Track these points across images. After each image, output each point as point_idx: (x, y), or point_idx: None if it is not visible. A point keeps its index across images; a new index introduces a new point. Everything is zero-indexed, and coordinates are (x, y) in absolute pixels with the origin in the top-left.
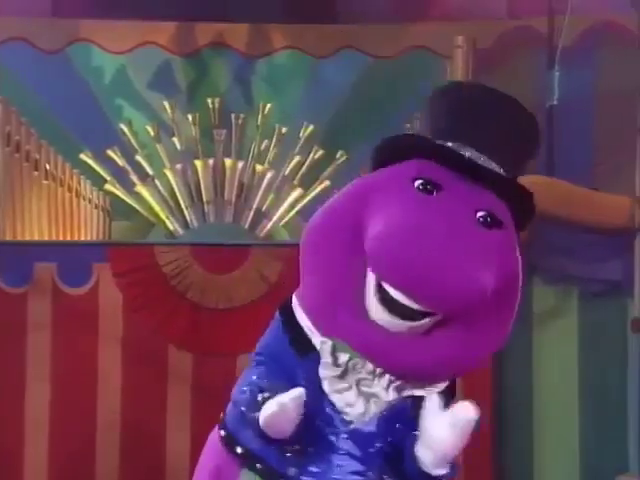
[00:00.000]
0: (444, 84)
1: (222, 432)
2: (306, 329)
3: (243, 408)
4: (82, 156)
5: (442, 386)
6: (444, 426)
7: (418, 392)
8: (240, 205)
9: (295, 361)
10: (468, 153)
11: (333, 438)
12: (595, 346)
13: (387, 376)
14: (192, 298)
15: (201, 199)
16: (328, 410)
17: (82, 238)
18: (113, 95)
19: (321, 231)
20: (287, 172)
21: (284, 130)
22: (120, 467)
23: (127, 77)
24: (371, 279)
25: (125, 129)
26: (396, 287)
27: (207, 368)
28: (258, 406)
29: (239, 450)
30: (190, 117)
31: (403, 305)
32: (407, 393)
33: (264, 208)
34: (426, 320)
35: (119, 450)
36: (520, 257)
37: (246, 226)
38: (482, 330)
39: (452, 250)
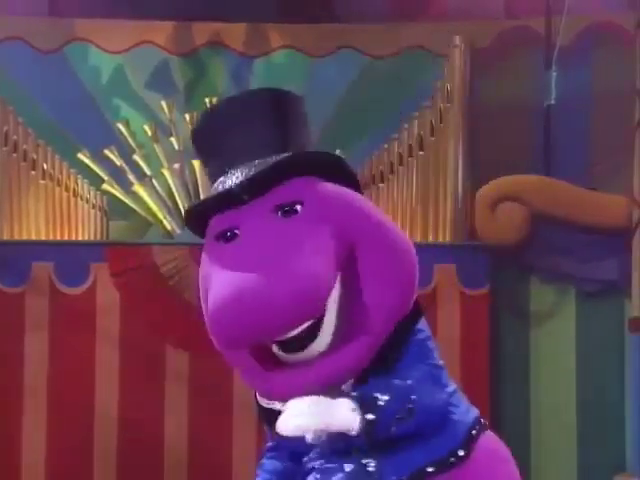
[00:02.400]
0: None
1: None
2: (266, 406)
3: None
4: (79, 156)
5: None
6: None
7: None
8: None
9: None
10: (236, 175)
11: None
12: (592, 345)
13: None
14: (189, 298)
15: (199, 199)
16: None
17: (79, 238)
18: (110, 95)
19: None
20: None
21: None
22: (118, 465)
23: (124, 77)
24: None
25: (122, 129)
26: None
27: (204, 367)
28: None
29: None
30: (188, 117)
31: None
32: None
33: None
34: (314, 344)
35: (117, 448)
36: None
37: None
38: (359, 309)
39: (235, 295)
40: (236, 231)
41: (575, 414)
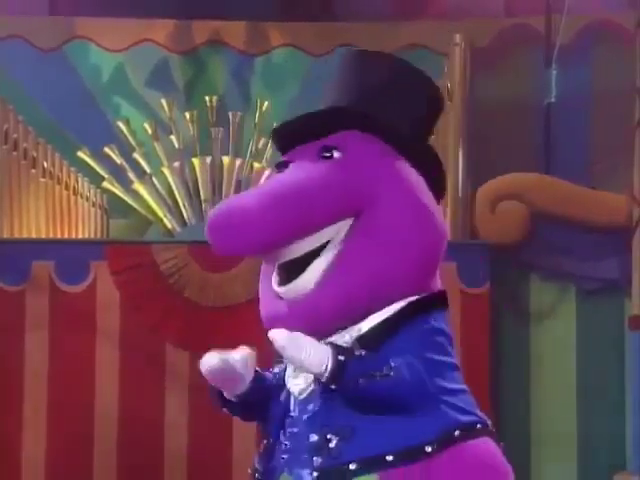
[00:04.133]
0: None
1: None
2: None
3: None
4: (80, 154)
5: (369, 323)
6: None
7: (355, 333)
8: None
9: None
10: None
11: (287, 420)
12: (592, 343)
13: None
14: (189, 296)
15: (199, 197)
16: (286, 398)
17: (80, 236)
18: (110, 93)
19: None
20: None
21: None
22: (118, 464)
23: (124, 75)
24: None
25: (123, 127)
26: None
27: None
28: None
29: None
30: (188, 115)
31: (289, 270)
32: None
33: None
34: (304, 274)
35: (117, 447)
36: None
37: None
38: (369, 251)
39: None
40: (290, 164)
41: (575, 412)
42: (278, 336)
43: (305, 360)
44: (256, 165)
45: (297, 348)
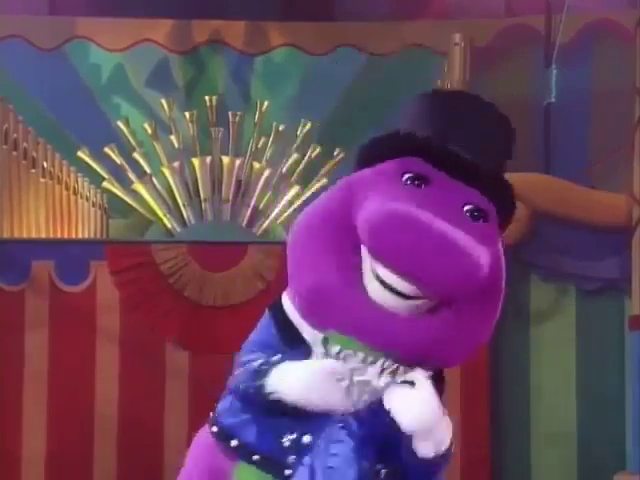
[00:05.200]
0: (423, 92)
1: (214, 428)
2: (296, 324)
3: (242, 385)
4: (79, 154)
5: (430, 373)
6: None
7: (410, 376)
8: (237, 203)
9: (284, 355)
10: (451, 149)
11: (327, 428)
12: (592, 343)
13: (379, 362)
14: (189, 296)
15: (198, 197)
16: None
17: (79, 236)
18: (110, 93)
19: (310, 228)
20: (284, 170)
21: (281, 128)
22: (118, 463)
23: (124, 75)
24: (367, 267)
25: (122, 127)
26: (398, 273)
27: (204, 365)
28: (260, 375)
29: (233, 443)
30: (187, 115)
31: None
32: (400, 378)
33: (261, 206)
34: (425, 300)
35: (117, 446)
36: (502, 252)
37: (243, 224)
38: (473, 318)
39: (450, 235)
40: (430, 184)
41: (575, 412)
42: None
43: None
44: (256, 165)
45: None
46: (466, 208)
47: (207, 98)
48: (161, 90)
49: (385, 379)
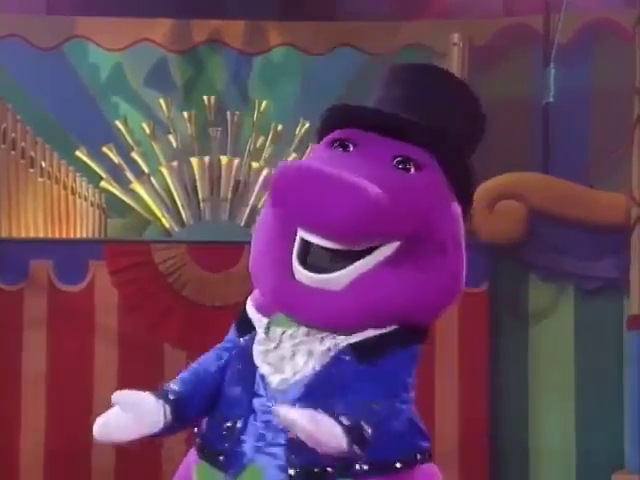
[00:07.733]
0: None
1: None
2: (249, 312)
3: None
4: (78, 153)
5: (378, 332)
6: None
7: (352, 339)
8: (236, 203)
9: (236, 343)
10: (386, 112)
11: (260, 408)
12: (591, 343)
13: (321, 333)
14: (188, 296)
15: (197, 197)
16: (258, 383)
17: (78, 236)
18: (109, 92)
19: (264, 209)
20: None
21: (280, 127)
22: (116, 463)
23: (123, 74)
24: (297, 240)
25: (121, 126)
26: (301, 225)
27: None
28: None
29: (197, 440)
30: (186, 114)
31: (319, 252)
32: (342, 344)
33: (260, 206)
34: (341, 272)
35: (115, 447)
36: (454, 205)
37: (242, 224)
38: (409, 267)
39: (335, 175)
40: (350, 146)
41: (574, 412)
42: (294, 415)
43: (318, 447)
44: (254, 164)
45: (312, 434)
46: (396, 160)
47: (206, 98)
48: (160, 90)
49: (328, 343)
